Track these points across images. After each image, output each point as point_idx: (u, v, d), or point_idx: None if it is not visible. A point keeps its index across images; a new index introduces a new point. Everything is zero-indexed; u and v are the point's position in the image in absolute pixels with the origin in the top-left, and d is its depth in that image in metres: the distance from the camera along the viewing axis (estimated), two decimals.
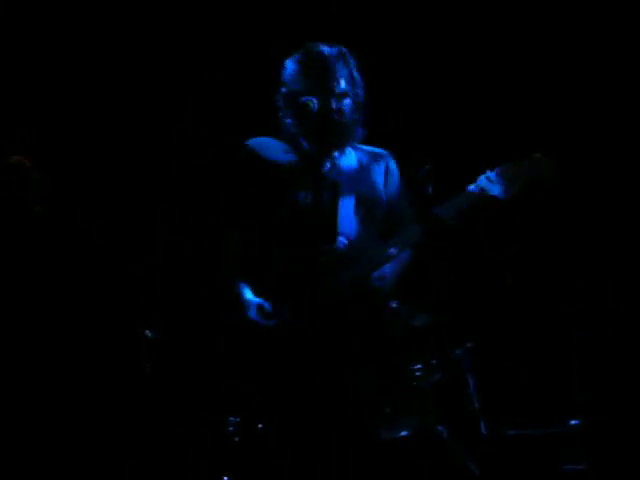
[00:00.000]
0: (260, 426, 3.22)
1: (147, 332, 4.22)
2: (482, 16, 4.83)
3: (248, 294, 3.33)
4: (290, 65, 3.39)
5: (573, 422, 4.09)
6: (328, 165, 3.39)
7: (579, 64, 4.78)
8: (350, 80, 3.37)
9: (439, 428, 4.06)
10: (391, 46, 4.81)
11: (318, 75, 3.33)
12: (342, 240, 3.33)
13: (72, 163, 4.66)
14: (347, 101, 3.35)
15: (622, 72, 4.73)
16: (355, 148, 3.48)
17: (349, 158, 3.46)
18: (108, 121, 4.78)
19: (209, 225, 3.54)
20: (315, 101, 3.28)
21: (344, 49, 3.40)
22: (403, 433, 4.08)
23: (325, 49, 3.37)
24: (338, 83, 3.33)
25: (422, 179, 3.34)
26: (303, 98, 3.29)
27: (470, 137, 4.79)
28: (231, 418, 3.26)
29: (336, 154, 3.40)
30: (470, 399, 4.18)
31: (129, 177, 4.76)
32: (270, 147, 3.43)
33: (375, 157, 3.51)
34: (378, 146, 3.56)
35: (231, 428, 3.25)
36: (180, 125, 4.78)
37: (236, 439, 3.24)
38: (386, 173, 3.49)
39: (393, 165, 3.52)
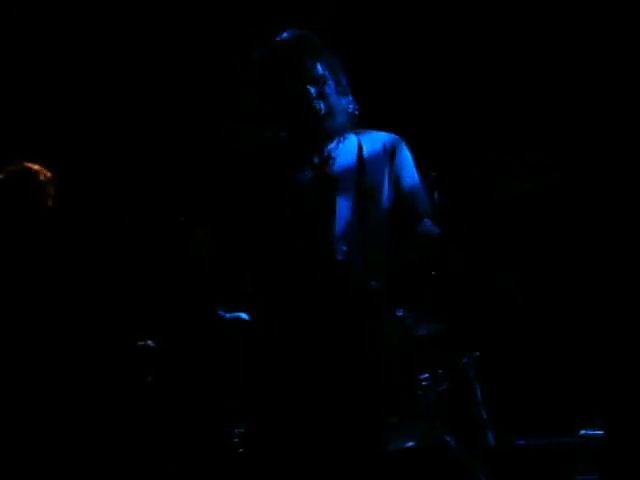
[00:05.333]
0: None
1: (149, 342, 4.20)
2: (490, 22, 4.83)
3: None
4: (254, 64, 3.18)
5: (592, 432, 4.06)
6: (320, 159, 3.10)
7: (583, 69, 4.77)
8: (324, 63, 3.13)
9: (446, 438, 4.03)
10: (396, 51, 4.80)
11: (287, 64, 3.10)
12: (341, 248, 3.06)
13: (76, 165, 4.66)
14: (329, 84, 3.12)
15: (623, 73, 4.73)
16: (357, 134, 3.24)
17: (348, 146, 3.20)
18: (111, 122, 4.79)
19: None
20: (322, 104, 3.08)
21: (306, 33, 3.18)
22: (409, 444, 4.06)
23: (283, 37, 3.17)
24: (309, 68, 3.10)
25: (427, 187, 3.25)
26: (313, 100, 3.08)
27: (476, 142, 4.78)
28: (236, 429, 3.23)
29: (331, 145, 3.15)
30: (478, 409, 4.15)
31: (134, 180, 4.76)
32: (256, 152, 3.21)
33: (379, 141, 3.22)
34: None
35: (236, 439, 3.22)
36: (181, 126, 4.78)
37: (240, 450, 3.21)
38: (392, 156, 3.19)
39: (401, 147, 3.23)
